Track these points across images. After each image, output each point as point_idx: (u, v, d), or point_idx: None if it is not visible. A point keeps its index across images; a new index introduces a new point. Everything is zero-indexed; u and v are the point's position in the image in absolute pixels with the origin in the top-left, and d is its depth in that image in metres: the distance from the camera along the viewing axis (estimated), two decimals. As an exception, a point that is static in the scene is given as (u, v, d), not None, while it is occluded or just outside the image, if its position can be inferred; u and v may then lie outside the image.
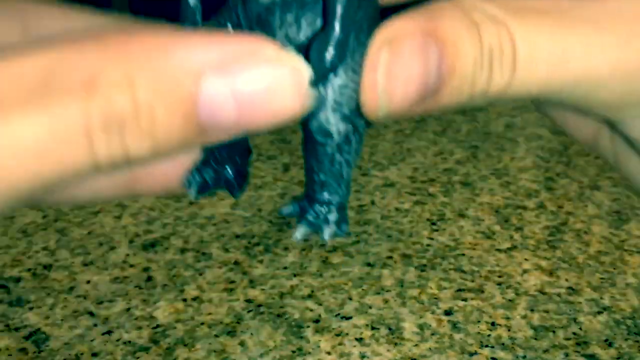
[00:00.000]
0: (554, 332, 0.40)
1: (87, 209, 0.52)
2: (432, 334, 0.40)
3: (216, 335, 0.40)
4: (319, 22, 0.18)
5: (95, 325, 0.41)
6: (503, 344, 0.39)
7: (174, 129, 0.15)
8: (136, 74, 0.14)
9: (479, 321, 0.41)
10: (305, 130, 0.20)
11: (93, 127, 0.14)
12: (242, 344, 0.39)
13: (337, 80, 0.18)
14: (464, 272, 0.46)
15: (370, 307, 0.42)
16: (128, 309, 0.42)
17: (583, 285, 0.45)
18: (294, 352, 0.39)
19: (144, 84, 0.14)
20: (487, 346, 0.39)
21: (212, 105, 0.15)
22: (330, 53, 0.18)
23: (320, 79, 0.18)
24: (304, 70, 0.16)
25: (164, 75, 0.14)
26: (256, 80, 0.15)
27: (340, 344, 0.39)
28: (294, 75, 0.16)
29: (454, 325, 0.41)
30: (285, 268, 0.46)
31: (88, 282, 0.45)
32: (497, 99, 0.18)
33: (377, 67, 0.17)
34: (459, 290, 0.44)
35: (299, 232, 0.21)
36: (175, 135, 0.15)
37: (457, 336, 0.40)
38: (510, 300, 0.43)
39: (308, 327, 0.41)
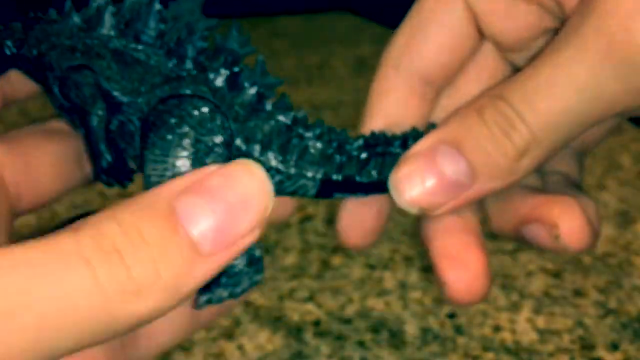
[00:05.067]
0: (559, 335, 0.40)
1: (82, 210, 0.52)
2: (435, 338, 0.39)
3: (214, 339, 0.39)
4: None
5: (90, 328, 0.40)
6: (507, 347, 0.38)
7: (176, 259, 0.16)
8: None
9: (482, 324, 0.40)
10: None
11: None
12: (240, 347, 0.39)
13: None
14: (467, 274, 0.45)
15: (371, 310, 0.42)
16: (124, 312, 0.41)
17: (589, 288, 0.44)
18: (293, 355, 0.38)
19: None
20: (491, 350, 0.38)
21: (192, 219, 0.17)
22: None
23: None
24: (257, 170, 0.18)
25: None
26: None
27: (340, 347, 0.39)
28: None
29: (457, 329, 0.40)
30: (284, 270, 0.46)
31: (83, 284, 0.44)
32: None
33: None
34: (462, 292, 0.43)
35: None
36: (184, 269, 0.17)
37: (461, 340, 0.39)
38: (514, 302, 0.42)
39: (308, 330, 0.40)
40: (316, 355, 0.38)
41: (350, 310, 0.42)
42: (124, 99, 0.21)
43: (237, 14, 1.32)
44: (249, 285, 0.23)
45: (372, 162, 0.25)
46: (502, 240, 0.50)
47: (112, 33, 0.22)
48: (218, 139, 0.21)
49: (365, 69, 0.94)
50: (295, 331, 0.40)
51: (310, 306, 0.42)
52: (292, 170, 0.23)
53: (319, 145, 0.24)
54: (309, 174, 0.23)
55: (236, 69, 0.22)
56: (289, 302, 0.42)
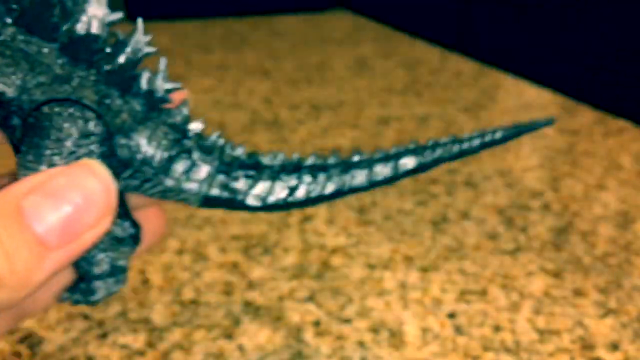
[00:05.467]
0: (559, 335, 0.39)
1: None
2: (435, 338, 0.39)
3: (214, 339, 0.39)
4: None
5: (90, 328, 0.40)
6: (507, 347, 0.38)
7: (25, 253, 0.18)
8: None
9: (482, 324, 0.40)
10: None
11: None
12: (240, 347, 0.38)
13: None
14: (467, 274, 0.45)
15: (371, 310, 0.42)
16: (123, 312, 0.41)
17: (589, 288, 0.44)
18: (293, 355, 0.38)
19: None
20: (491, 350, 0.38)
21: (38, 216, 0.19)
22: None
23: None
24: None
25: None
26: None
27: (340, 347, 0.38)
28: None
29: (457, 329, 0.40)
30: (284, 270, 0.46)
31: (83, 284, 0.44)
32: None
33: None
34: (463, 292, 0.43)
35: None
36: (29, 260, 0.18)
37: (461, 340, 0.39)
38: (514, 302, 0.42)
39: (308, 330, 0.40)
40: (316, 355, 0.38)
41: (350, 310, 0.42)
42: (4, 96, 0.20)
43: (237, 13, 1.32)
44: (106, 294, 0.23)
45: (258, 185, 0.24)
46: (502, 240, 0.50)
47: (7, 21, 0.20)
48: (96, 150, 0.21)
49: (365, 69, 0.94)
50: (295, 331, 0.40)
51: (310, 306, 0.42)
52: (173, 185, 0.23)
53: (206, 163, 0.23)
54: (192, 190, 0.23)
55: (130, 73, 0.21)
56: (289, 302, 0.42)
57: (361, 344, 0.39)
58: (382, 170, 0.27)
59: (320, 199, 0.26)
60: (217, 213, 0.53)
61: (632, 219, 0.52)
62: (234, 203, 0.24)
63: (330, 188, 0.26)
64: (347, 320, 0.41)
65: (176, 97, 0.23)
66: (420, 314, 0.41)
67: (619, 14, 0.78)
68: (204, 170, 0.23)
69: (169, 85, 0.22)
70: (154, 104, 0.22)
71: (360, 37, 1.14)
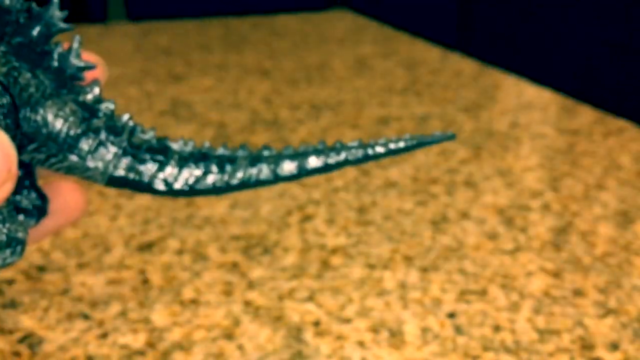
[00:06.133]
0: (559, 335, 0.39)
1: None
2: (435, 337, 0.39)
3: (214, 339, 0.39)
4: None
5: (90, 328, 0.40)
6: (507, 347, 0.38)
7: None
8: None
9: (482, 324, 0.40)
10: None
11: None
12: (240, 347, 0.38)
13: None
14: (467, 274, 0.45)
15: (371, 310, 0.42)
16: (123, 312, 0.41)
17: (589, 288, 0.44)
18: (293, 355, 0.38)
19: None
20: (491, 350, 0.38)
21: None
22: None
23: None
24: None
25: None
26: None
27: (340, 347, 0.38)
28: None
29: (457, 329, 0.40)
30: (284, 270, 0.46)
31: (83, 284, 0.44)
32: None
33: None
34: (463, 292, 0.43)
35: None
36: None
37: (460, 339, 0.39)
38: (514, 302, 0.42)
39: (308, 330, 0.40)
40: (316, 355, 0.38)
41: (350, 310, 0.42)
42: None
43: (237, 13, 1.32)
44: (2, 264, 0.23)
45: (165, 170, 0.25)
46: (501, 240, 0.50)
47: None
48: (0, 122, 0.21)
49: (365, 69, 0.94)
50: (295, 331, 0.40)
51: (310, 306, 0.42)
52: (78, 162, 0.23)
53: (113, 144, 0.24)
54: (97, 169, 0.23)
55: (42, 48, 0.21)
56: (289, 302, 0.42)
57: (361, 344, 0.39)
58: (288, 167, 0.27)
59: (226, 189, 0.26)
60: (217, 213, 0.53)
61: (632, 219, 0.52)
62: (140, 185, 0.25)
63: (236, 179, 0.26)
64: (347, 320, 0.41)
65: (89, 75, 0.23)
66: (420, 314, 0.41)
67: (619, 13, 0.78)
68: (110, 151, 0.24)
69: (81, 63, 0.22)
70: (65, 81, 0.22)
71: (360, 37, 1.14)
